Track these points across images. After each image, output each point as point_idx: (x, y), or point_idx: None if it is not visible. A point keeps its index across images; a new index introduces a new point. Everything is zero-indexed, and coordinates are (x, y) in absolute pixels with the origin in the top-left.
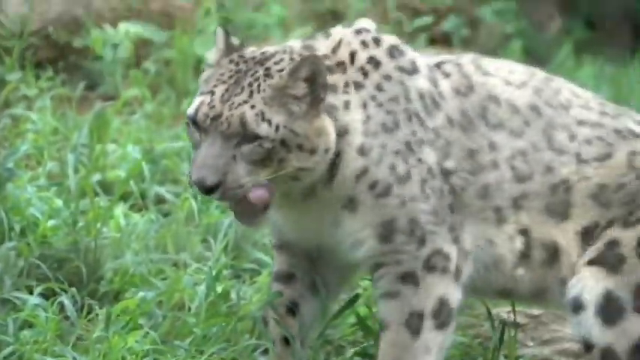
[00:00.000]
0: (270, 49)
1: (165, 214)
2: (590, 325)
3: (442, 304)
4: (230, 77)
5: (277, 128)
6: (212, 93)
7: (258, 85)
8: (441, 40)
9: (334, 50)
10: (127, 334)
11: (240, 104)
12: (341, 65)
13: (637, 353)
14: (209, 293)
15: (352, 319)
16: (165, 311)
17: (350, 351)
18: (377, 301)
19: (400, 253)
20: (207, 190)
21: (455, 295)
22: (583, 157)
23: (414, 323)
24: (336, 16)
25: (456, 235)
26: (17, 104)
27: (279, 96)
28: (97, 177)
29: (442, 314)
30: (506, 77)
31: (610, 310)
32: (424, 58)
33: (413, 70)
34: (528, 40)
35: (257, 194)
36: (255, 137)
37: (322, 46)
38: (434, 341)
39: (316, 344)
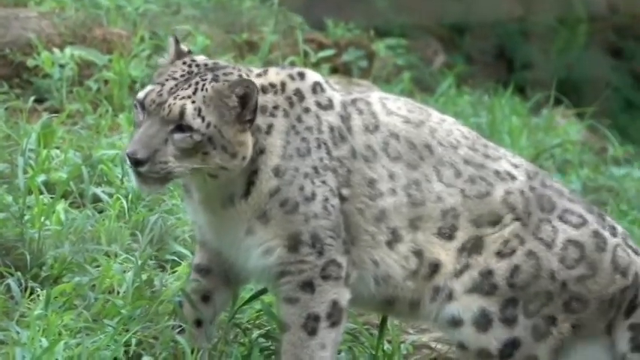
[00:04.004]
0: (222, 62)
1: (100, 211)
2: (467, 333)
3: (334, 307)
4: (181, 76)
5: (208, 125)
6: (162, 85)
7: (203, 85)
8: (341, 70)
9: (265, 72)
10: (63, 313)
11: (183, 97)
12: (273, 87)
13: (505, 349)
14: (135, 280)
15: (258, 306)
16: (97, 294)
17: (255, 333)
18: (279, 305)
19: (303, 263)
20: (137, 162)
21: (345, 296)
22: (467, 193)
23: (310, 325)
24: (252, 47)
25: (347, 248)
26: None
27: (217, 99)
28: (42, 177)
29: (334, 315)
30: (407, 116)
31: (482, 322)
32: (340, 96)
33: (328, 107)
34: (417, 71)
35: None
36: (189, 128)
37: (254, 70)
38: (328, 338)
39: (227, 326)
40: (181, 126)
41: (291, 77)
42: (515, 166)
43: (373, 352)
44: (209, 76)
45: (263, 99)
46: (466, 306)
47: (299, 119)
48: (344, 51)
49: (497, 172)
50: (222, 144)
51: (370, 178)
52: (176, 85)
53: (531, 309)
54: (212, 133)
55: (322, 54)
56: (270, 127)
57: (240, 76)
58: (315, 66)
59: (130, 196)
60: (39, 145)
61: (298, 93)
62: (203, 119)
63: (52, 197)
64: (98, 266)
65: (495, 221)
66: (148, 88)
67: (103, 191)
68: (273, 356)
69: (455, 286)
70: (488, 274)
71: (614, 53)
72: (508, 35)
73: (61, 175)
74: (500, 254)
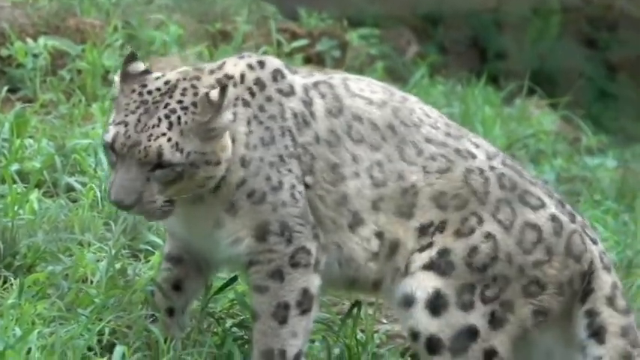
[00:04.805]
0: (169, 77)
1: (74, 201)
2: (419, 316)
3: (304, 294)
4: (137, 107)
5: (188, 155)
6: (125, 124)
7: (178, 118)
8: (315, 60)
9: (220, 67)
10: (37, 302)
11: (158, 136)
12: (231, 79)
13: (459, 340)
14: (109, 269)
15: (232, 295)
16: (71, 283)
17: (229, 322)
18: (250, 294)
19: (272, 252)
20: (126, 208)
21: (315, 283)
22: (428, 169)
23: (280, 314)
24: (225, 37)
25: (316, 233)
26: None
27: (198, 129)
28: (15, 167)
29: (305, 302)
30: (370, 97)
31: (437, 304)
32: (302, 79)
33: (290, 93)
34: (390, 61)
35: None
36: (169, 164)
37: (207, 66)
38: (299, 326)
39: (200, 316)
40: (161, 164)
41: (251, 67)
42: (476, 146)
43: (347, 342)
44: (172, 103)
45: None
46: (420, 283)
47: (261, 109)
48: (317, 41)
49: (458, 150)
50: (204, 160)
51: (333, 163)
52: (139, 120)
53: (488, 295)
54: (194, 159)
55: (296, 44)
56: (235, 114)
57: (193, 86)
58: (289, 56)
59: (103, 186)
60: (12, 135)
61: (259, 82)
62: (182, 151)
63: (25, 186)
64: (71, 255)
65: (461, 206)
66: (113, 130)
67: (77, 180)
68: (246, 345)
69: (412, 261)
70: (445, 252)
71: (588, 44)
72: (481, 25)
73: (34, 164)
74: (458, 233)
